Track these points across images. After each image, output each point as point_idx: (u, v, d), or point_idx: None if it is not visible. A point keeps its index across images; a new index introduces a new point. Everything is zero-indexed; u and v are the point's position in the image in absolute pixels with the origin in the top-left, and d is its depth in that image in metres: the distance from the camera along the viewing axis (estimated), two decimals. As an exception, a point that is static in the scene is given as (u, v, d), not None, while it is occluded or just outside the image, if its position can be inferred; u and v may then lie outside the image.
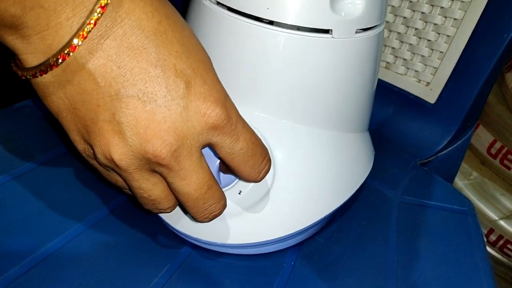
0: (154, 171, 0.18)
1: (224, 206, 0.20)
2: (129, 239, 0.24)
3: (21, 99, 0.32)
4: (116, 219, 0.24)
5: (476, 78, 0.36)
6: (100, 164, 0.18)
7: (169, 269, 0.23)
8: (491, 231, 0.57)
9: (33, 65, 0.16)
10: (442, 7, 0.36)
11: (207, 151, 0.20)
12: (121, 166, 0.17)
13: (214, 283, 0.23)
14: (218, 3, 0.23)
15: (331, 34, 0.22)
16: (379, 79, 0.41)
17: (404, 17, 0.39)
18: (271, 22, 0.22)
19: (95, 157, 0.18)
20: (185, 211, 0.20)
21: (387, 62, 0.41)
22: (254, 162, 0.19)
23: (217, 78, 0.18)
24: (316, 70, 0.23)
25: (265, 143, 0.23)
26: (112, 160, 0.17)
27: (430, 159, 0.38)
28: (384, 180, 0.33)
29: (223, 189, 0.22)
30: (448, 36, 0.36)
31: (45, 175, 0.25)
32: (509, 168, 0.55)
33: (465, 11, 0.35)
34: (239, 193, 0.22)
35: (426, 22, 0.37)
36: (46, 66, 0.15)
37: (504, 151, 0.56)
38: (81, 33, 0.15)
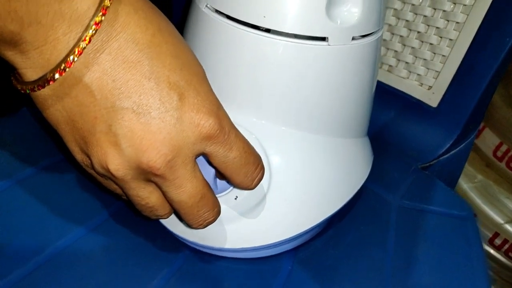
0: (150, 180, 0.19)
1: (218, 213, 0.20)
2: (129, 243, 0.24)
3: (23, 104, 0.33)
4: (115, 223, 0.25)
5: (478, 82, 0.36)
6: (98, 173, 0.19)
7: (168, 272, 0.23)
8: (496, 235, 0.56)
9: (32, 79, 0.16)
10: (444, 11, 0.36)
11: (203, 159, 0.21)
12: (118, 176, 0.17)
13: (212, 286, 0.23)
14: (217, 11, 0.23)
15: (327, 41, 0.22)
16: (381, 82, 0.41)
17: (407, 20, 0.39)
18: (268, 30, 0.22)
19: (92, 167, 0.18)
20: (181, 218, 0.20)
21: (390, 65, 0.41)
22: (247, 171, 0.20)
23: (211, 89, 0.19)
24: (313, 77, 0.23)
25: (261, 149, 0.23)
26: (108, 170, 0.17)
27: (432, 163, 0.38)
28: (384, 184, 0.33)
29: (220, 195, 0.22)
30: (450, 39, 0.36)
31: (47, 180, 0.26)
32: (515, 171, 0.55)
33: (467, 15, 0.35)
34: (235, 199, 0.22)
35: (428, 25, 0.37)
36: (43, 81, 0.16)
37: (510, 154, 0.56)
38: (76, 50, 0.15)
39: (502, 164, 0.57)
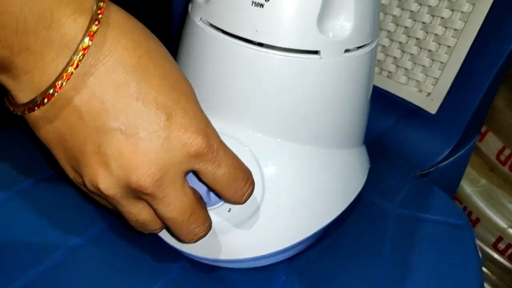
0: (140, 198, 0.19)
1: (209, 228, 0.21)
2: (124, 254, 0.25)
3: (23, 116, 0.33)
4: (112, 234, 0.25)
5: (476, 89, 0.35)
6: (90, 191, 0.19)
7: (163, 283, 0.24)
8: (499, 239, 0.56)
9: (24, 102, 0.17)
10: (442, 18, 0.36)
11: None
12: (108, 194, 0.18)
13: (207, 296, 0.24)
14: (211, 25, 0.23)
15: (320, 54, 0.22)
16: (380, 88, 0.41)
17: (406, 27, 0.39)
18: (260, 44, 0.22)
19: (84, 185, 0.19)
20: (172, 232, 0.21)
21: (389, 72, 0.41)
22: (237, 186, 0.20)
23: (199, 108, 0.19)
24: (306, 89, 0.23)
25: (254, 161, 0.24)
26: (99, 189, 0.18)
27: (430, 169, 0.38)
28: (381, 191, 0.34)
29: (213, 207, 0.23)
30: (448, 46, 0.36)
31: (45, 192, 0.27)
32: (519, 175, 0.54)
33: (465, 22, 0.34)
34: (228, 211, 0.23)
35: (427, 32, 0.37)
36: (34, 104, 0.17)
37: (513, 158, 0.55)
38: (64, 75, 0.16)
39: (506, 168, 0.56)
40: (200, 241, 0.23)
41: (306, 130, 0.25)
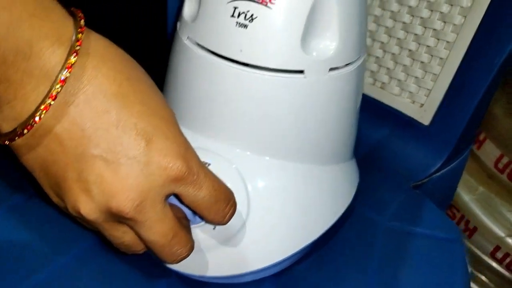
0: (122, 222, 0.19)
1: (191, 249, 0.21)
2: (113, 269, 0.25)
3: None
4: (101, 250, 0.26)
5: (469, 101, 0.35)
6: (73, 216, 0.20)
7: (151, 297, 0.24)
8: (497, 248, 0.55)
9: (7, 131, 0.17)
10: (435, 29, 0.36)
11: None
12: (90, 219, 0.18)
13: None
14: (198, 44, 0.24)
15: (304, 74, 0.23)
16: (374, 99, 0.41)
17: (398, 38, 0.39)
18: (246, 64, 0.23)
19: (67, 209, 0.19)
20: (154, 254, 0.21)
21: (383, 82, 0.41)
22: (218, 208, 0.20)
23: (179, 132, 0.20)
24: (292, 108, 0.23)
25: (240, 178, 0.24)
26: (81, 214, 0.18)
27: (424, 181, 0.38)
28: (373, 204, 0.34)
29: (199, 225, 0.23)
30: (441, 58, 0.36)
31: (35, 207, 0.27)
32: (517, 183, 0.54)
33: (457, 34, 0.34)
34: (213, 229, 0.23)
35: (419, 43, 0.37)
36: (14, 135, 0.17)
37: (511, 166, 0.55)
38: (43, 106, 0.16)
39: (504, 176, 0.56)
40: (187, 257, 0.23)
41: (294, 148, 0.25)
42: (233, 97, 0.23)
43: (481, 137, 0.60)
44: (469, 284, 0.27)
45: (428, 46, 0.36)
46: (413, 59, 0.38)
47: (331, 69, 0.23)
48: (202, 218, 0.21)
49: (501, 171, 0.56)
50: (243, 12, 0.21)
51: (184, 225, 0.21)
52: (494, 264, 0.58)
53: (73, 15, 0.18)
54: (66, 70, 0.16)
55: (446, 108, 0.37)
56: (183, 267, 0.24)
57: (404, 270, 0.28)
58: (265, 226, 0.24)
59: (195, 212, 0.21)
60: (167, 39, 0.38)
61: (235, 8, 0.21)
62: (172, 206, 0.21)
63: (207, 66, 0.23)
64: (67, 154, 0.17)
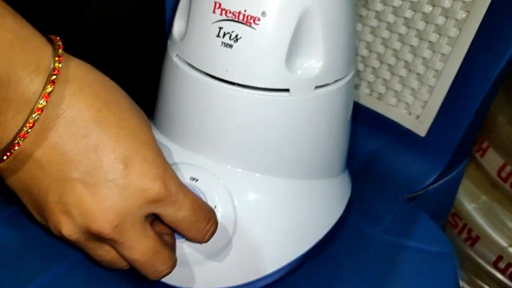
0: (104, 241, 0.20)
1: (173, 266, 0.21)
2: (105, 279, 0.25)
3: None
4: (89, 262, 0.26)
5: (465, 112, 0.35)
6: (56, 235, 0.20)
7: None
8: (499, 258, 0.55)
9: None
10: (430, 42, 0.36)
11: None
12: (72, 240, 0.19)
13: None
14: (186, 62, 0.24)
15: (290, 92, 0.23)
16: (371, 110, 0.41)
17: (394, 49, 0.39)
18: (232, 82, 0.23)
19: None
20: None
21: (379, 93, 0.41)
22: (199, 227, 0.21)
23: (158, 154, 0.20)
24: (279, 126, 0.24)
25: (227, 193, 0.24)
26: (63, 235, 0.19)
27: (419, 193, 0.38)
28: (367, 216, 0.34)
29: (185, 240, 0.23)
30: (436, 70, 0.36)
31: (26, 220, 0.28)
32: (521, 192, 0.53)
33: (452, 47, 0.34)
34: (200, 243, 0.23)
35: (415, 55, 0.37)
36: None
37: (515, 175, 0.54)
38: (20, 134, 0.17)
39: (507, 185, 0.55)
40: (174, 270, 0.24)
41: (282, 164, 0.25)
42: (221, 115, 0.24)
43: (484, 145, 0.59)
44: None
45: (424, 57, 0.36)
46: (409, 70, 0.38)
47: (317, 87, 0.24)
48: (183, 237, 0.21)
49: (504, 180, 0.56)
50: (228, 33, 0.22)
51: (167, 241, 0.21)
52: (497, 274, 0.57)
53: (52, 42, 0.18)
54: (43, 99, 0.17)
55: (442, 120, 0.36)
56: (171, 279, 0.24)
57: (395, 284, 0.28)
58: (252, 241, 0.24)
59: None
60: (166, 39, 0.39)
61: (220, 28, 0.22)
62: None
63: (196, 84, 0.24)
64: (48, 178, 0.18)
